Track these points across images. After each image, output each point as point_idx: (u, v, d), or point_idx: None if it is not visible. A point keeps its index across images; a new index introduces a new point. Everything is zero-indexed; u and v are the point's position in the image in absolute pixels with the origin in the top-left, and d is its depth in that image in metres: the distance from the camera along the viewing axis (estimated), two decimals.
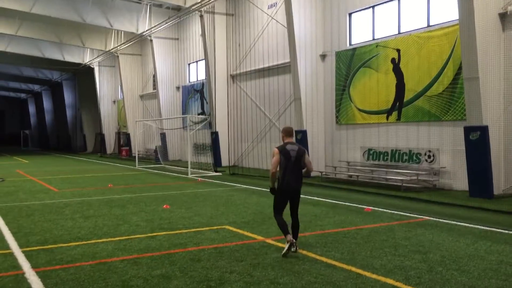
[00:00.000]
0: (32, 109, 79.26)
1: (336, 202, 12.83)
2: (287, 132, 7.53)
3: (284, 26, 20.61)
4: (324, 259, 7.00)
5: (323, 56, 19.56)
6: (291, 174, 7.25)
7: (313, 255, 7.21)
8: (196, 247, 7.88)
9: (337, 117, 19.05)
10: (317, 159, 19.43)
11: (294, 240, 7.18)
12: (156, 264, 6.84)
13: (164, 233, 9.03)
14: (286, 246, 7.09)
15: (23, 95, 79.57)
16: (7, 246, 8.07)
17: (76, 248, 7.91)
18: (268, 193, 14.72)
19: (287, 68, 21.07)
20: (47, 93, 67.99)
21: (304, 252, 7.41)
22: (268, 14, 22.78)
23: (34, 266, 6.79)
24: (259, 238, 8.49)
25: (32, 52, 41.73)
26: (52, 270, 6.61)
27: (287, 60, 20.66)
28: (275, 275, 6.24)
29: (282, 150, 7.30)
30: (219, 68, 25.74)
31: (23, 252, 7.66)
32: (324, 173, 18.51)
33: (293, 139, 7.69)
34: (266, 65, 23.17)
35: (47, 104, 68.95)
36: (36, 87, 68.21)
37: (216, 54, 25.60)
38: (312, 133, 19.38)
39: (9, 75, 59.35)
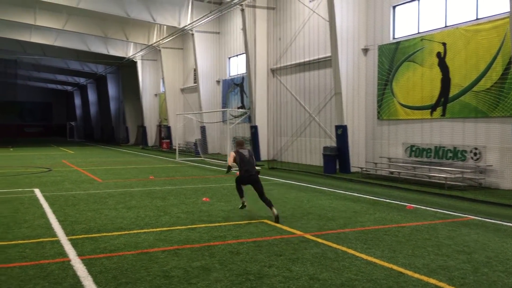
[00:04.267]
0: (78, 101, 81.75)
1: (377, 198, 12.62)
2: (239, 144, 10.43)
3: (325, 19, 20.37)
4: (364, 256, 6.91)
5: (365, 50, 19.21)
6: (247, 165, 9.89)
7: (352, 252, 7.12)
8: (235, 240, 7.93)
9: (378, 112, 18.70)
10: (357, 155, 19.16)
11: (245, 202, 10.21)
12: (196, 256, 6.93)
13: (204, 225, 9.13)
14: (241, 204, 10.21)
15: (69, 88, 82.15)
16: (54, 234, 8.37)
17: (119, 237, 8.11)
18: (307, 188, 14.69)
19: (328, 62, 20.83)
20: (92, 86, 69.93)
21: (344, 248, 7.34)
22: (309, 8, 22.56)
23: (79, 254, 7.02)
24: (298, 233, 8.46)
25: (78, 46, 42.98)
26: (97, 259, 6.80)
27: (328, 54, 20.42)
28: (314, 270, 6.21)
29: (237, 152, 10.07)
30: (259, 62, 25.73)
31: (69, 240, 7.92)
32: (364, 169, 18.24)
33: (244, 148, 10.35)
34: (307, 59, 22.97)
35: (92, 96, 70.94)
36: (81, 80, 70.26)
37: (256, 48, 25.59)
38: (352, 128, 19.11)
39: (57, 68, 61.40)
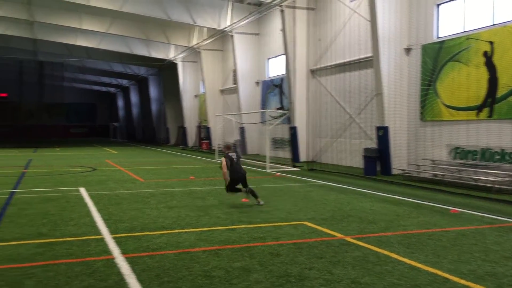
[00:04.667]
0: (120, 102, 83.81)
1: (420, 202, 12.31)
2: (228, 148, 12.17)
3: (366, 19, 20.07)
4: (407, 260, 6.75)
5: (408, 50, 18.80)
6: (237, 167, 11.57)
7: (395, 256, 6.98)
8: (275, 241, 7.92)
9: (421, 113, 18.26)
10: (399, 157, 18.77)
11: (246, 189, 11.55)
12: (236, 257, 6.96)
13: (244, 226, 9.16)
14: (244, 194, 11.66)
15: (112, 89, 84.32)
16: (98, 232, 8.60)
17: (161, 236, 8.24)
18: (347, 190, 14.50)
19: (369, 63, 20.51)
20: (134, 87, 71.55)
21: (386, 252, 7.20)
22: (350, 8, 22.30)
23: (123, 252, 7.17)
24: (338, 235, 8.36)
25: (121, 49, 44.07)
26: (139, 257, 6.94)
27: (369, 54, 20.11)
28: (356, 274, 6.12)
29: (227, 156, 11.66)
30: (298, 63, 25.63)
31: (113, 238, 8.11)
32: (406, 171, 17.85)
33: (232, 151, 11.92)
34: (347, 59, 22.70)
35: (134, 98, 72.57)
36: (124, 82, 72.00)
37: (296, 49, 25.50)
38: (394, 129, 18.74)
39: (101, 71, 63.17)
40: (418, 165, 17.84)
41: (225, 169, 11.41)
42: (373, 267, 6.42)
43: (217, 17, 33.13)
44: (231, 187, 11.59)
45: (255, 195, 11.52)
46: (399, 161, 18.68)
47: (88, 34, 41.08)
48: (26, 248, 7.45)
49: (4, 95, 75.05)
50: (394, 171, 18.52)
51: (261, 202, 11.44)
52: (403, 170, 17.92)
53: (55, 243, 7.79)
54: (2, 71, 65.80)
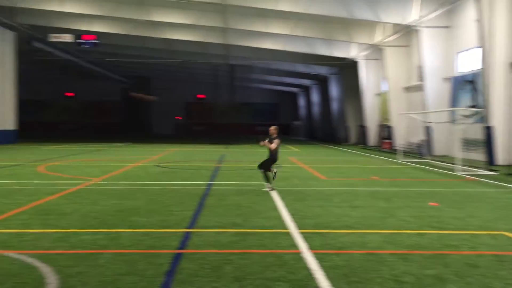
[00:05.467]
0: (302, 102, 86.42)
1: None
2: (276, 130, 13.71)
3: None
4: None
5: None
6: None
7: None
8: (472, 251, 7.26)
9: None
10: None
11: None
12: (427, 264, 6.56)
13: (434, 231, 8.60)
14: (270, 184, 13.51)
15: (295, 89, 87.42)
16: (286, 226, 8.95)
17: (346, 235, 8.22)
18: None
19: None
20: (315, 87, 73.05)
21: None
22: None
23: (310, 248, 7.34)
24: None
25: (304, 49, 45.34)
26: (326, 254, 7.02)
27: None
28: None
29: (279, 139, 13.53)
30: (497, 56, 23.06)
31: (300, 233, 8.36)
32: None
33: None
34: None
35: (315, 97, 74.12)
36: (306, 82, 73.97)
37: (494, 41, 23.01)
38: None
39: (284, 71, 66.02)
40: None
41: (275, 146, 13.48)
42: None
43: (402, 12, 31.79)
44: (267, 166, 13.52)
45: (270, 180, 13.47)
46: None
47: (273, 37, 43.26)
48: (224, 236, 8.14)
49: (203, 96, 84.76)
50: None
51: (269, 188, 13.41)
52: None
53: (248, 233, 8.35)
54: (201, 74, 73.62)
